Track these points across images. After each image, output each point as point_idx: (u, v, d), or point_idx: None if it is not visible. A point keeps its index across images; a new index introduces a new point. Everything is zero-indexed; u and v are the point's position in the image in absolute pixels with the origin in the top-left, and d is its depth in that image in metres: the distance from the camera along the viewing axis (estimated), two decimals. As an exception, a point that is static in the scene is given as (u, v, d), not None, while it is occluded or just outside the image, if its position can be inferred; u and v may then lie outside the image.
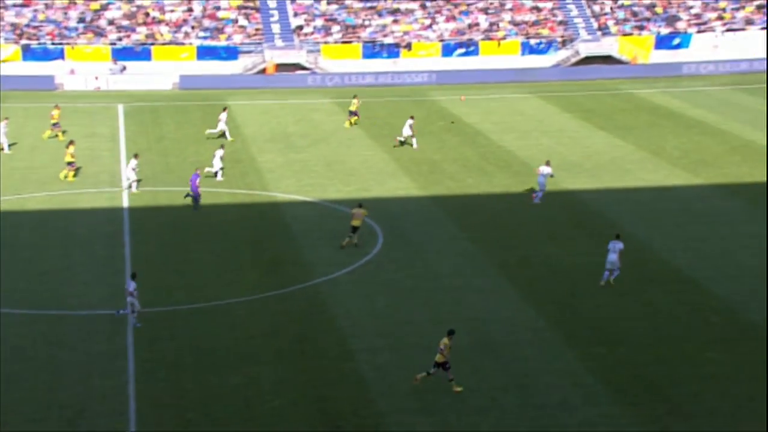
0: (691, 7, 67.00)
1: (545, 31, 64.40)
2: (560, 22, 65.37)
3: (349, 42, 62.91)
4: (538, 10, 66.25)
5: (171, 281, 27.39)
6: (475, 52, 63.07)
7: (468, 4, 66.20)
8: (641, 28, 65.37)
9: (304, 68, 61.34)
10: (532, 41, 63.71)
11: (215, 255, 29.92)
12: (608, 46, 63.77)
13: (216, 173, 37.53)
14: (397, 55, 62.58)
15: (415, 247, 30.68)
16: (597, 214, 34.00)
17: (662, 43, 64.39)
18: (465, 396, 21.70)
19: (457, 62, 62.71)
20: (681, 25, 65.52)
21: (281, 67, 61.17)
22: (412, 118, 44.09)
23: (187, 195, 34.43)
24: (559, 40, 64.22)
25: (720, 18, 65.89)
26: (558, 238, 31.49)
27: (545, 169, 35.34)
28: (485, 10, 65.91)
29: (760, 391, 21.59)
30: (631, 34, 64.79)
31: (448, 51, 62.94)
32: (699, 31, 65.01)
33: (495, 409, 21.20)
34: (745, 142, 43.52)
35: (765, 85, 57.58)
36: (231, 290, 27.21)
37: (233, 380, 22.28)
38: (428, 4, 65.95)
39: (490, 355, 23.48)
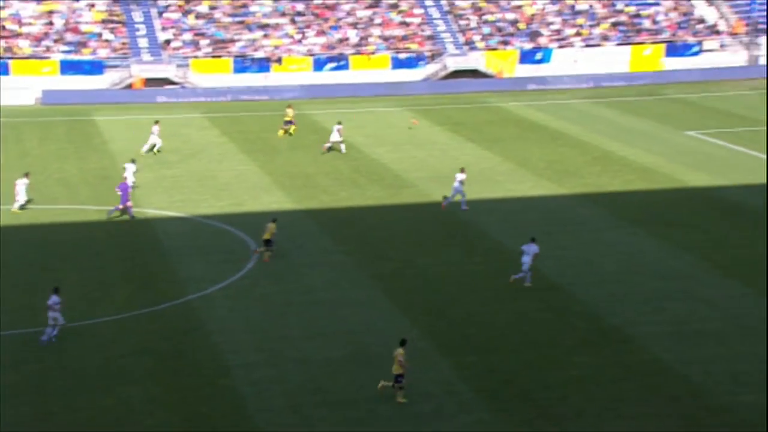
0: (551, 23, 69.39)
1: (414, 46, 65.43)
2: (428, 37, 66.53)
3: (219, 56, 62.26)
4: (407, 25, 67.27)
5: (37, 301, 26.41)
6: (346, 66, 63.47)
7: (338, 19, 66.60)
8: (506, 43, 67.23)
9: (173, 83, 60.31)
10: (402, 55, 64.61)
11: (83, 273, 29.02)
12: (475, 60, 65.30)
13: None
14: (267, 69, 62.32)
15: (289, 262, 30.57)
16: (467, 224, 34.70)
17: (526, 57, 66.42)
18: (343, 408, 21.73)
19: (328, 76, 62.95)
20: (543, 41, 67.76)
21: (149, 81, 59.96)
22: (339, 123, 45.21)
23: (116, 209, 34.14)
24: (428, 54, 65.35)
25: (578, 34, 68.49)
26: (430, 249, 31.97)
27: (460, 176, 35.97)
28: (355, 25, 66.45)
29: (623, 392, 22.45)
30: (496, 49, 66.55)
31: (318, 65, 63.10)
32: (560, 47, 67.37)
33: (372, 419, 21.32)
34: (605, 152, 45.29)
35: (621, 99, 60.13)
36: (100, 308, 26.45)
37: (103, 402, 21.64)
38: (298, 18, 66.01)
39: (366, 367, 23.60)
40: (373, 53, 64.34)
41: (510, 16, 69.52)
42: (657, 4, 71.95)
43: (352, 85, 61.88)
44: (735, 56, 69.12)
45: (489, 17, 69.11)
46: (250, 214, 35.36)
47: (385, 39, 65.74)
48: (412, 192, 38.84)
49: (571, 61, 66.97)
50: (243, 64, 61.89)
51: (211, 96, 59.36)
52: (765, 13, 71.83)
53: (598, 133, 49.53)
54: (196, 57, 61.83)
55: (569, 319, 26.28)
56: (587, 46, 67.56)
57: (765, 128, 49.83)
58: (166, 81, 60.26)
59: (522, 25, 68.75)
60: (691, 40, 68.54)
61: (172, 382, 22.65)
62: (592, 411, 21.61)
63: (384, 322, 26.18)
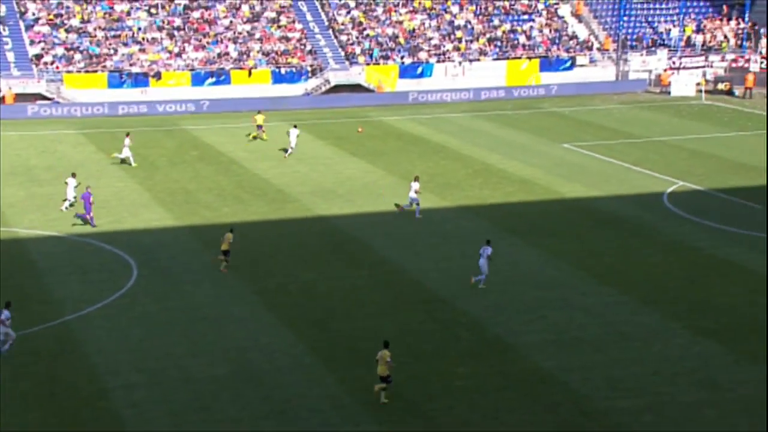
0: (431, 38, 70.46)
1: (295, 60, 65.30)
2: (309, 52, 66.52)
3: (94, 71, 60.62)
4: (287, 39, 67.09)
5: None
6: (227, 81, 62.79)
7: (216, 34, 65.85)
8: (386, 57, 67.86)
9: (45, 98, 58.33)
10: (283, 70, 64.37)
11: (-49, 298, 27.64)
12: (356, 74, 65.65)
13: (67, 201, 36.81)
14: (145, 84, 61.03)
15: (171, 279, 29.91)
16: (352, 238, 34.73)
17: (406, 72, 67.18)
18: (228, 426, 21.35)
19: (208, 91, 62.12)
20: (423, 55, 68.71)
21: (20, 96, 57.83)
22: (295, 126, 47.75)
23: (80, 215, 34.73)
24: (309, 69, 65.34)
25: (457, 49, 69.76)
26: (315, 264, 31.85)
27: (414, 185, 36.99)
28: (234, 40, 65.84)
29: (506, 401, 22.83)
30: (377, 64, 67.08)
31: (198, 80, 62.22)
32: (439, 61, 68.44)
33: (258, 438, 21.01)
34: (485, 165, 46.16)
35: (499, 112, 61.51)
36: (-30, 335, 25.20)
37: (-25, 432, 20.63)
38: (176, 33, 64.95)
39: (251, 384, 23.27)
40: (254, 68, 63.88)
41: (390, 31, 70.23)
42: (531, 20, 74.04)
43: (233, 100, 61.25)
44: (605, 71, 71.71)
45: (369, 32, 69.66)
46: (130, 232, 34.46)
47: (266, 54, 65.38)
48: (296, 206, 38.65)
49: (450, 76, 68.14)
50: (120, 80, 60.42)
51: (86, 112, 57.69)
52: (631, 31, 74.91)
53: (479, 146, 50.47)
54: (69, 72, 60.03)
55: (454, 330, 26.58)
56: (466, 60, 68.89)
57: (636, 140, 51.86)
58: (38, 96, 58.25)
59: (402, 40, 69.55)
60: (564, 55, 70.77)
61: (49, 407, 21.79)
62: (476, 420, 21.88)
63: (269, 338, 25.89)
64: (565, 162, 46.96)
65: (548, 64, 69.98)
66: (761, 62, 69.01)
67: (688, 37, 74.36)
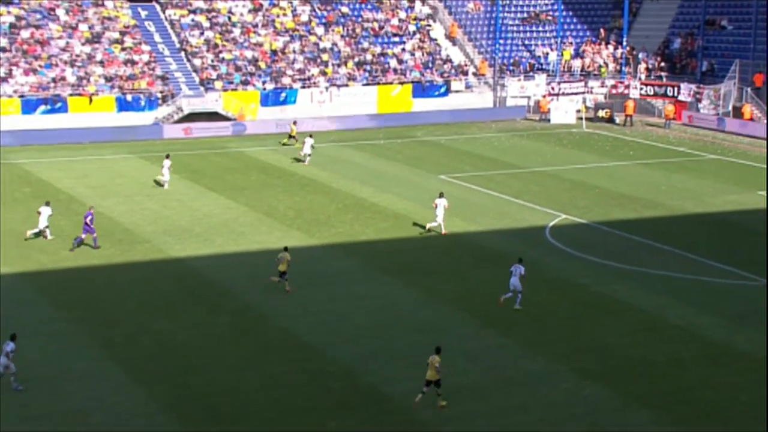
0: (294, 62, 70.69)
1: (143, 86, 64.27)
2: (159, 77, 65.64)
3: None
4: (134, 63, 66.01)
5: None
6: (63, 109, 61.18)
7: (50, 56, 64.14)
8: (246, 83, 67.65)
9: None
10: (129, 97, 63.25)
11: None
12: (213, 102, 65.13)
13: (41, 232, 38.01)
14: (-31, 111, 58.90)
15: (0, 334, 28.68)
16: (211, 282, 34.20)
17: (269, 99, 67.14)
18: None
19: (42, 120, 60.38)
20: (286, 81, 68.83)
21: None
22: (311, 136, 54.29)
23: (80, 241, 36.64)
24: (159, 95, 64.42)
25: (323, 73, 70.24)
26: (169, 311, 31.18)
27: (441, 201, 39.82)
28: (71, 63, 64.29)
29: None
30: (235, 90, 66.77)
31: (29, 108, 60.39)
32: (304, 87, 68.71)
33: None
34: (356, 199, 46.42)
35: (371, 142, 62.13)
36: None
37: None
38: (2, 55, 62.90)
39: (97, 451, 22.47)
40: (95, 94, 62.50)
41: (249, 54, 70.11)
42: (402, 43, 75.35)
43: (72, 131, 59.70)
44: (482, 97, 73.58)
45: (226, 55, 69.33)
46: (-48, 281, 32.92)
47: (109, 79, 64.09)
48: (147, 248, 37.83)
49: (317, 102, 68.47)
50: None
51: None
52: (508, 55, 77.23)
53: (349, 179, 50.74)
54: None
55: (323, 381, 26.44)
56: (333, 86, 69.39)
57: (516, 171, 53.25)
58: None
59: (263, 64, 69.52)
60: (438, 80, 72.23)
61: None
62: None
63: (116, 397, 25.11)
64: (441, 195, 47.69)
65: (422, 89, 71.30)
66: (641, 88, 72.27)
67: (567, 62, 77.21)
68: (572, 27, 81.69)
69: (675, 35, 78.53)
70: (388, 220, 42.60)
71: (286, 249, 33.57)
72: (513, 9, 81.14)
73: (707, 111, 68.46)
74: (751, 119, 66.01)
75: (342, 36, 74.29)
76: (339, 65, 71.36)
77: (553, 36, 79.22)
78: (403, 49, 74.68)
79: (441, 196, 40.59)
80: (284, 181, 49.97)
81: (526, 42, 79.89)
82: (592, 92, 73.91)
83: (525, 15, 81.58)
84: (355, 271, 35.74)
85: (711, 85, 69.30)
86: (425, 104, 71.03)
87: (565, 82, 74.19)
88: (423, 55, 74.69)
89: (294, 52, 71.53)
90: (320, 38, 73.44)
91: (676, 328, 29.94)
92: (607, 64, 77.07)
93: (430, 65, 73.70)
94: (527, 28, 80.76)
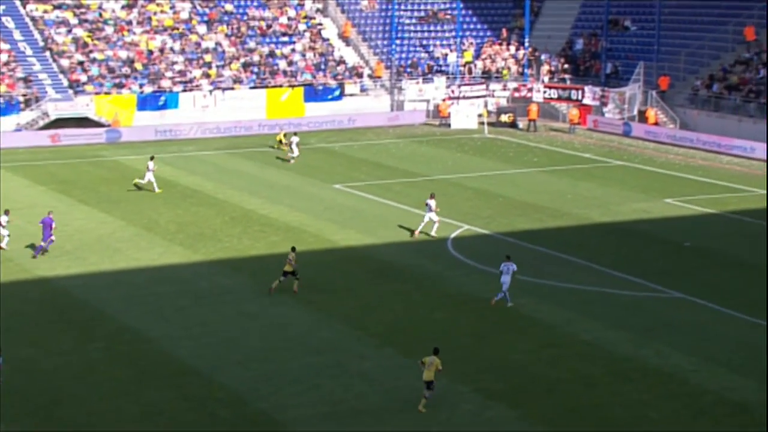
0: (174, 63, 69.94)
1: (2, 89, 62.67)
2: (21, 79, 64.08)
3: None
4: (-5, 63, 64.45)
5: None
6: None
7: None
8: (120, 86, 66.64)
9: None
10: (-9, 101, 61.70)
11: None
12: (83, 106, 63.95)
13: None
14: None
15: None
16: (83, 303, 33.55)
17: (146, 103, 66.26)
18: None
19: None
20: (165, 83, 68.04)
21: None
22: (296, 134, 58.38)
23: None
24: (22, 99, 62.87)
25: (206, 76, 69.68)
26: (35, 337, 30.46)
27: (431, 202, 41.43)
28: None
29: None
30: (109, 93, 65.70)
31: None
32: (185, 90, 68.04)
33: None
34: (245, 211, 46.16)
35: (260, 149, 61.91)
36: None
37: None
38: None
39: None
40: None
41: (123, 54, 69.10)
42: (292, 43, 75.35)
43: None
44: (378, 101, 74.06)
45: (98, 55, 68.18)
46: None
47: (-34, 80, 62.45)
48: (10, 267, 36.91)
49: (200, 107, 67.91)
50: None
51: None
52: (405, 56, 77.94)
53: (237, 189, 50.42)
54: None
55: (210, 408, 26.17)
56: (218, 89, 68.90)
57: (416, 179, 53.73)
58: None
59: (139, 66, 68.61)
60: (331, 83, 72.42)
61: None
62: None
63: (-21, 434, 24.39)
64: (336, 205, 47.79)
65: (314, 93, 71.40)
66: (544, 92, 73.77)
67: (468, 64, 78.32)
68: (472, 27, 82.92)
69: (578, 36, 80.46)
70: (279, 234, 42.47)
71: (293, 249, 35.33)
72: (410, 7, 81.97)
73: (612, 115, 70.29)
74: (656, 124, 68.01)
75: (226, 35, 73.88)
76: (223, 67, 70.91)
77: (452, 36, 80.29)
78: (293, 50, 74.68)
79: (432, 197, 42.06)
80: (165, 192, 49.37)
81: (425, 42, 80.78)
82: (494, 96, 75.14)
83: (422, 14, 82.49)
84: (244, 288, 35.51)
85: (616, 88, 71.19)
86: (318, 109, 71.14)
87: (465, 84, 75.24)
88: (315, 56, 74.81)
89: (174, 52, 70.79)
90: (202, 37, 72.88)
91: (582, 344, 30.59)
92: (509, 67, 78.46)
93: (323, 67, 73.86)
94: (425, 28, 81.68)
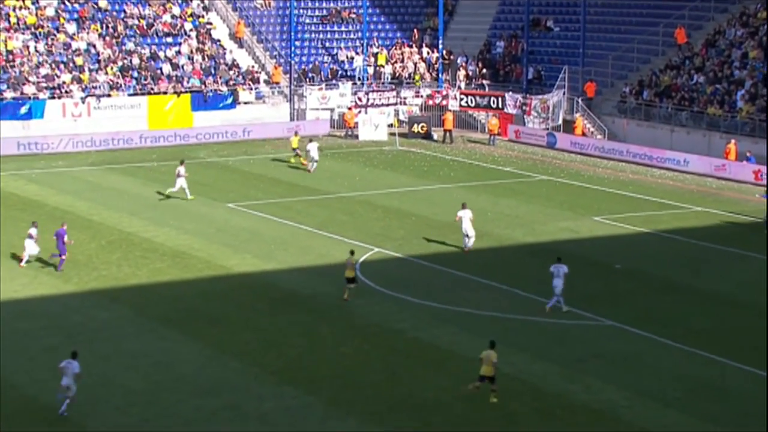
0: (38, 66, 68.84)
1: None
2: None
3: None
4: None
5: None
6: None
7: None
8: (-23, 92, 65.41)
9: None
10: None
11: None
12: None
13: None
14: None
15: None
16: (-63, 342, 32.75)
17: (7, 111, 65.06)
18: None
19: None
20: (29, 89, 66.90)
21: None
22: (312, 141, 59.78)
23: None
24: None
25: (78, 81, 68.76)
26: None
27: (465, 213, 43.32)
28: None
29: None
30: (-33, 101, 64.42)
31: None
32: (53, 97, 67.02)
33: None
34: (124, 234, 45.62)
35: (141, 164, 61.29)
36: None
37: None
38: None
39: None
40: None
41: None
42: (177, 44, 74.88)
43: None
44: (277, 110, 73.98)
45: (-47, 57, 66.89)
46: None
47: None
48: None
49: (71, 117, 67.00)
50: None
51: None
52: (306, 60, 78.03)
53: (115, 210, 49.83)
54: None
55: (87, 460, 25.74)
56: (91, 96, 68.04)
57: (321, 197, 53.77)
58: None
59: None
60: (223, 89, 72.11)
61: None
62: None
63: None
64: (230, 227, 47.53)
65: (203, 100, 71.05)
66: (460, 99, 74.55)
67: (376, 68, 78.77)
68: (380, 27, 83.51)
69: (497, 37, 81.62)
70: (164, 260, 42.08)
71: (352, 253, 38.31)
72: (310, 5, 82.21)
73: (535, 125, 71.31)
74: (584, 134, 69.22)
75: (100, 35, 73.06)
76: (97, 71, 70.08)
77: (358, 37, 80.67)
78: (179, 52, 74.19)
79: (464, 207, 43.57)
80: (30, 214, 48.49)
81: (327, 44, 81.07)
82: (405, 103, 75.67)
83: (325, 12, 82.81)
84: (124, 322, 35.06)
85: (539, 95, 72.29)
86: (208, 118, 70.75)
87: (374, 91, 75.63)
88: (203, 59, 74.44)
89: (38, 53, 69.69)
90: (72, 37, 71.95)
91: (505, 378, 30.83)
92: (421, 72, 79.10)
93: (213, 72, 73.54)
94: (328, 28, 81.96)
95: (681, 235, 46.96)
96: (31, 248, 40.97)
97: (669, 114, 66.61)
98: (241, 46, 78.17)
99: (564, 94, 71.02)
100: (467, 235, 43.76)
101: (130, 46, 73.13)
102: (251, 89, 73.63)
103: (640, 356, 32.76)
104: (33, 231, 41.35)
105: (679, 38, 71.38)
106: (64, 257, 40.45)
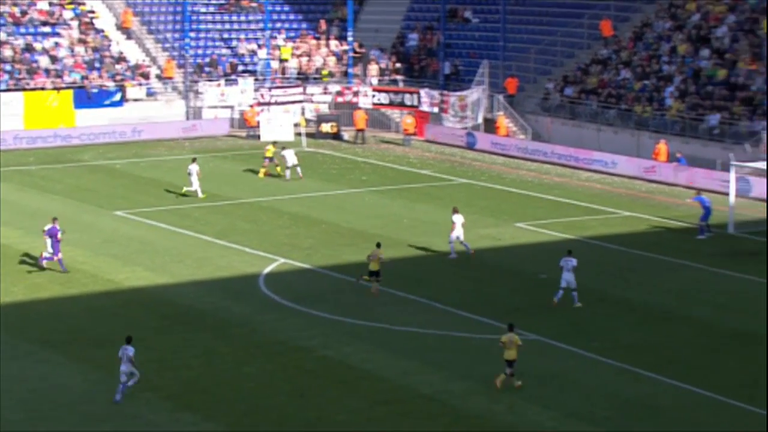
0: None
1: None
2: None
3: None
4: None
5: None
6: None
7: None
8: None
9: None
10: None
11: None
12: None
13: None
14: None
15: None
16: None
17: None
18: None
19: None
20: None
21: None
22: (284, 148, 59.76)
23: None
24: None
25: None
26: None
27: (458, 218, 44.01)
28: None
29: None
30: None
31: None
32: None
33: None
34: None
35: (18, 168, 60.37)
36: None
37: None
38: None
39: None
40: None
41: None
42: (56, 34, 73.96)
43: None
44: (170, 107, 73.41)
45: None
46: None
47: None
48: None
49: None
50: None
51: None
52: (202, 53, 77.58)
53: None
54: None
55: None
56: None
57: (219, 203, 53.48)
58: None
59: None
60: (109, 85, 71.36)
61: None
62: None
63: None
64: (119, 237, 47.10)
65: (87, 97, 70.28)
66: (373, 96, 74.66)
67: (280, 62, 78.57)
68: (284, 18, 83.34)
69: (411, 29, 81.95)
70: (44, 274, 41.55)
71: (378, 246, 40.02)
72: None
73: (454, 124, 71.69)
74: (507, 135, 69.76)
75: (-31, 24, 71.85)
76: (-34, 64, 68.96)
77: (260, 29, 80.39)
78: (57, 44, 73.28)
79: (455, 212, 44.46)
80: None
81: (226, 36, 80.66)
82: (312, 101, 75.54)
83: (222, 1, 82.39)
84: (-1, 343, 34.53)
85: (457, 91, 72.70)
86: (93, 117, 69.97)
87: (278, 87, 75.42)
88: (86, 51, 73.62)
89: None
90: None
91: (422, 399, 30.92)
92: (329, 66, 79.09)
93: (97, 65, 72.75)
94: (226, 18, 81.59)
95: (609, 242, 47.54)
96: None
97: (595, 112, 67.47)
98: (129, 37, 77.43)
99: (484, 90, 71.52)
100: (461, 241, 44.41)
101: (1, 36, 71.96)
102: (141, 85, 72.96)
103: (567, 373, 33.06)
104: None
105: (605, 31, 72.38)
106: (58, 257, 41.70)
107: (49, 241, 41.48)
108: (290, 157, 58.72)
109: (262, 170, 60.00)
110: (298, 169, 58.82)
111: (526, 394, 31.31)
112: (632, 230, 49.85)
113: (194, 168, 53.97)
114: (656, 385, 32.05)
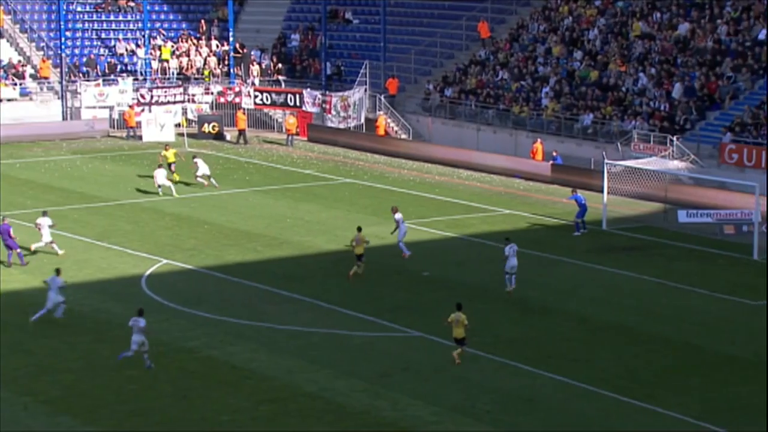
0: None
1: None
2: None
3: None
4: None
5: None
6: None
7: None
8: None
9: None
10: None
11: None
12: None
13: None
14: None
15: None
16: None
17: None
18: None
19: None
20: None
21: None
22: (195, 156, 58.94)
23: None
24: None
25: None
26: None
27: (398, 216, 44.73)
28: None
29: None
30: None
31: None
32: None
33: None
34: None
35: None
36: None
37: None
38: None
39: None
40: None
41: None
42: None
43: None
44: (46, 108, 72.25)
45: None
46: None
47: None
48: None
49: None
50: None
51: None
52: (79, 52, 76.54)
53: None
54: None
55: None
56: None
57: (101, 204, 52.78)
58: None
59: None
60: (-13, 86, 70.04)
61: None
62: None
63: None
64: None
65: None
66: (255, 96, 74.41)
67: (160, 62, 77.85)
68: (163, 17, 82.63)
69: (292, 30, 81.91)
70: None
71: (359, 229, 41.71)
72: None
73: (336, 124, 71.82)
74: (387, 134, 70.12)
75: None
76: None
77: (138, 28, 79.59)
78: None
79: (395, 211, 45.14)
80: None
81: (104, 35, 79.66)
82: (194, 101, 74.99)
83: (99, 0, 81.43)
84: None
85: (339, 91, 72.87)
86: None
87: (158, 87, 74.72)
88: (-41, 51, 72.08)
89: None
90: None
91: (306, 397, 30.93)
92: (212, 68, 78.57)
93: (-28, 65, 71.27)
94: (103, 17, 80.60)
95: (489, 239, 48.03)
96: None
97: (474, 112, 68.14)
98: (1, 35, 75.96)
99: (365, 90, 71.78)
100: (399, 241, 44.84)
101: None
102: (15, 85, 71.68)
103: (449, 369, 33.34)
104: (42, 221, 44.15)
105: (483, 32, 73.21)
106: (18, 250, 42.98)
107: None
108: (202, 165, 57.17)
109: (176, 176, 58.07)
110: (213, 179, 57.21)
111: (408, 389, 31.51)
112: (512, 227, 50.43)
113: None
114: (535, 378, 32.52)
